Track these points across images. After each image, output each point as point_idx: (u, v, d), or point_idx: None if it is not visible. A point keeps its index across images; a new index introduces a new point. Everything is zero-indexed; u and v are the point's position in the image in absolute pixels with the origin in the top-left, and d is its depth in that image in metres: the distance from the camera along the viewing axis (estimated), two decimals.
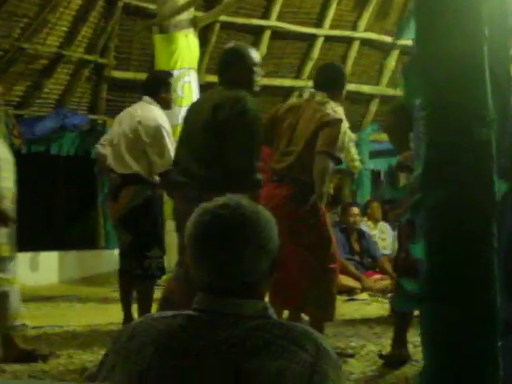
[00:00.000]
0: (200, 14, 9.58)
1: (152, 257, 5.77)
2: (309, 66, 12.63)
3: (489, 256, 2.01)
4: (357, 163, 7.71)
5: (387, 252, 9.75)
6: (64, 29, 10.72)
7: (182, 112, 8.27)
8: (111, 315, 6.75)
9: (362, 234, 9.37)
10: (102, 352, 1.90)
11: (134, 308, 5.96)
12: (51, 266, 10.53)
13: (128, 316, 5.85)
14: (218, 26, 11.70)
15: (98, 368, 1.91)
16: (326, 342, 1.82)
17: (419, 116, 2.11)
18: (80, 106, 11.48)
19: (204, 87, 9.47)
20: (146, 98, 6.05)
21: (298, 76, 12.69)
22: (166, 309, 3.94)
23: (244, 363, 1.71)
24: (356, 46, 13.09)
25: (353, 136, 8.27)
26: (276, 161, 5.23)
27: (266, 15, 12.11)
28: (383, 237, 10.10)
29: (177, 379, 1.73)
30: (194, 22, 8.86)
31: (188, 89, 8.60)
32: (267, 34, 12.08)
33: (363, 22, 12.88)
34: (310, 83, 6.38)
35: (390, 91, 13.55)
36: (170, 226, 7.97)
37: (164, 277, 6.34)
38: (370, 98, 13.80)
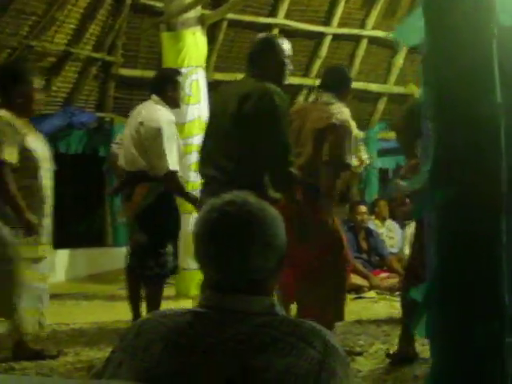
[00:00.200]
0: (207, 11, 9.57)
1: (167, 254, 5.76)
2: (317, 65, 12.61)
3: (497, 253, 2.00)
4: (366, 161, 7.70)
5: (395, 250, 9.75)
6: (72, 27, 10.72)
7: (190, 110, 8.32)
8: (118, 313, 6.76)
9: (369, 233, 9.37)
10: (109, 349, 1.90)
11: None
12: (59, 263, 10.53)
13: (137, 314, 5.83)
14: (225, 24, 11.68)
15: (103, 365, 1.90)
16: (334, 339, 1.81)
17: (428, 114, 2.10)
18: (87, 103, 11.48)
19: (212, 85, 9.47)
20: (154, 96, 6.01)
21: (306, 74, 12.67)
22: None
23: (251, 360, 1.70)
24: (364, 44, 13.06)
25: (360, 134, 8.28)
26: None
27: (273, 13, 12.09)
28: (391, 235, 10.09)
29: (184, 376, 1.73)
30: (201, 20, 8.84)
31: (196, 87, 8.59)
32: (275, 32, 12.06)
33: (371, 20, 12.85)
34: (318, 82, 6.36)
35: (398, 89, 13.53)
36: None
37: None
38: (377, 96, 13.78)
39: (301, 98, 12.80)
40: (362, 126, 13.60)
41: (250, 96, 4.50)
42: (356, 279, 8.62)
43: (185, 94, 8.24)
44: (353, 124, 5.43)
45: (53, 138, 10.54)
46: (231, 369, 1.71)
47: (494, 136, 2.01)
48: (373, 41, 13.12)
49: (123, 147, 6.04)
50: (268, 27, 12.00)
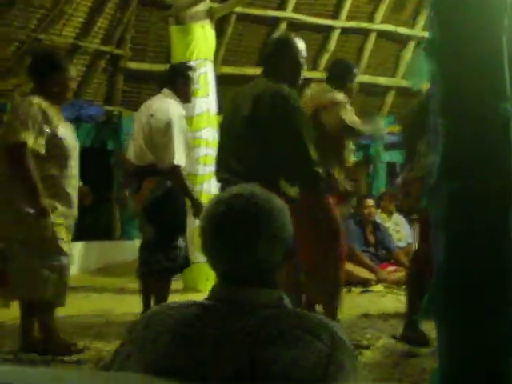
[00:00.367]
0: (216, 5, 9.56)
1: (178, 247, 5.77)
2: (325, 58, 12.59)
3: (506, 248, 2.00)
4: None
5: (402, 244, 9.75)
6: (80, 20, 10.72)
7: (198, 103, 8.33)
8: (127, 305, 6.78)
9: (376, 226, 9.37)
10: (118, 342, 1.91)
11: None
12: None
13: (147, 307, 5.86)
14: (234, 18, 11.68)
15: (112, 357, 1.92)
16: (341, 332, 1.82)
17: (436, 108, 2.11)
18: (96, 97, 11.49)
19: (220, 78, 9.47)
20: (165, 90, 6.04)
21: (314, 68, 12.65)
22: None
23: (259, 352, 1.72)
24: (372, 37, 13.04)
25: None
26: None
27: (282, 7, 12.08)
28: (397, 229, 10.09)
29: (192, 368, 1.74)
30: (210, 14, 8.84)
31: (204, 80, 8.59)
32: (283, 25, 12.05)
33: (380, 14, 12.83)
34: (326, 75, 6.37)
35: (406, 83, 13.49)
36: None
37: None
38: (386, 89, 13.75)
39: (309, 92, 12.77)
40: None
41: (262, 97, 4.49)
42: (363, 273, 8.64)
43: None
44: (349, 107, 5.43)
45: None
46: (239, 361, 1.72)
47: (502, 130, 2.02)
48: (381, 34, 13.09)
49: (132, 141, 6.06)
50: (276, 21, 11.99)
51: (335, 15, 12.55)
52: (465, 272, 1.97)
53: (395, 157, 13.43)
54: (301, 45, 4.81)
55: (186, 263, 5.95)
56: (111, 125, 11.44)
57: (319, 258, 5.22)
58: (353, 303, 7.31)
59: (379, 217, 9.90)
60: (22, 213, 4.76)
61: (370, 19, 12.88)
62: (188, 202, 6.01)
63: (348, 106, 5.58)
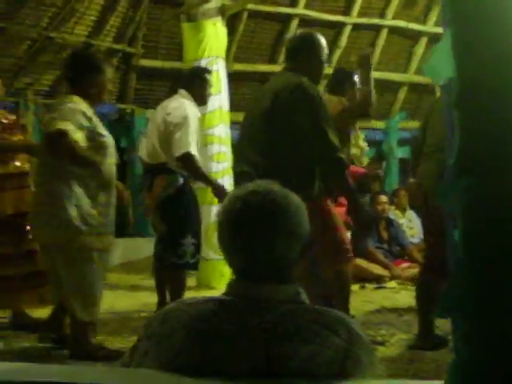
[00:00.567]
0: (228, 2, 9.57)
1: (186, 244, 5.81)
2: (337, 54, 12.59)
3: None
4: (365, 148, 7.76)
5: (415, 240, 9.73)
6: (92, 18, 10.76)
7: (210, 101, 8.29)
8: (141, 302, 6.80)
9: (390, 223, 9.36)
10: (133, 339, 1.92)
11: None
12: None
13: (162, 302, 5.91)
14: (245, 15, 11.69)
15: (129, 353, 1.92)
16: (357, 327, 1.82)
17: (453, 103, 2.10)
18: (108, 95, 11.51)
19: (232, 75, 9.48)
20: (182, 91, 6.12)
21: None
22: None
23: (276, 348, 1.71)
24: (384, 33, 13.03)
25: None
26: None
27: (293, 3, 12.08)
28: (411, 225, 10.07)
29: (209, 364, 1.74)
30: (222, 11, 8.85)
31: (216, 77, 8.59)
32: (295, 22, 12.06)
33: (391, 10, 12.81)
34: None
35: (419, 79, 13.48)
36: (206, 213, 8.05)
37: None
38: (398, 85, 13.74)
39: (320, 88, 12.78)
40: (383, 115, 13.59)
41: (282, 91, 4.51)
42: (377, 269, 8.64)
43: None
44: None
45: None
46: (255, 357, 1.72)
47: None
48: (393, 30, 13.08)
49: (146, 139, 6.13)
50: (288, 17, 11.99)
51: (346, 11, 12.55)
52: (482, 269, 1.96)
53: (408, 153, 13.40)
54: (324, 42, 4.83)
55: (194, 261, 5.96)
56: (124, 123, 11.48)
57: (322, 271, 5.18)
58: (367, 299, 7.32)
59: (393, 213, 9.89)
60: (62, 217, 4.74)
61: (382, 15, 12.87)
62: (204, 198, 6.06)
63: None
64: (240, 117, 5.09)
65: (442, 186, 2.13)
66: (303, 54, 4.75)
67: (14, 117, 6.03)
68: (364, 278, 8.53)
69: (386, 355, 4.74)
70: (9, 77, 6.37)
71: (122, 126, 11.43)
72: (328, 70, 11.61)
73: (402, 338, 5.25)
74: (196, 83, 6.14)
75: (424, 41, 13.37)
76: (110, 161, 4.94)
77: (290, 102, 4.46)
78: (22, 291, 5.67)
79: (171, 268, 5.94)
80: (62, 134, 4.59)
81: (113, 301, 7.28)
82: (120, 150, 11.28)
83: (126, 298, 7.71)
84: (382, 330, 5.54)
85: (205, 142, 8.13)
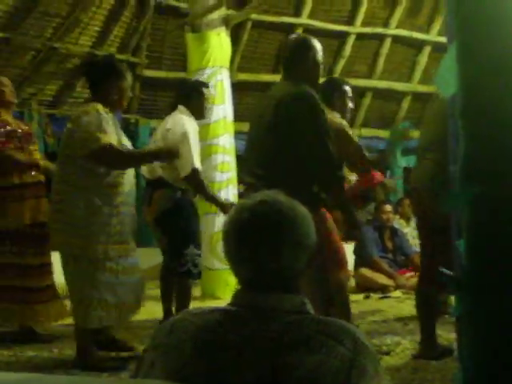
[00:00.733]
0: (232, 12, 9.60)
1: (188, 254, 5.85)
2: (341, 64, 12.61)
3: None
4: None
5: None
6: (96, 28, 10.79)
7: (215, 111, 8.35)
8: (147, 312, 6.78)
9: (394, 232, 9.36)
10: (140, 348, 1.92)
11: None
12: None
13: (168, 312, 5.93)
14: (249, 25, 11.71)
15: (137, 365, 1.92)
16: (363, 337, 1.82)
17: (456, 112, 2.10)
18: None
19: (236, 85, 9.50)
20: (180, 107, 6.17)
21: (330, 74, 12.67)
22: None
23: (282, 358, 1.72)
24: (388, 43, 13.05)
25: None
26: None
27: (297, 13, 12.10)
28: (415, 234, 10.05)
29: (215, 374, 1.74)
30: (225, 21, 8.87)
31: (220, 87, 8.61)
32: (299, 32, 12.07)
33: (395, 19, 12.83)
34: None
35: (422, 88, 13.49)
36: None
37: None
38: (402, 95, 13.76)
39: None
40: (387, 124, 13.61)
41: (282, 101, 4.49)
42: (382, 279, 8.64)
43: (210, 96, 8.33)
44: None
45: None
46: (262, 367, 1.72)
47: None
48: (397, 40, 13.10)
49: None
50: (292, 27, 12.01)
51: (350, 21, 12.57)
52: (488, 277, 1.96)
53: (412, 162, 13.37)
54: (318, 45, 4.80)
55: (196, 270, 5.99)
56: (128, 132, 11.42)
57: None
58: (372, 309, 7.31)
59: (397, 222, 9.88)
60: (79, 226, 4.74)
61: (385, 24, 12.88)
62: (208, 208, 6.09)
63: (343, 122, 5.51)
64: (244, 127, 5.10)
65: (447, 194, 2.14)
66: (298, 59, 4.69)
67: (27, 126, 6.03)
68: (369, 287, 8.54)
69: (390, 364, 4.73)
70: (13, 87, 6.39)
71: (127, 136, 11.42)
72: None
73: (406, 347, 5.23)
74: (193, 98, 6.19)
75: (427, 50, 13.38)
76: (130, 171, 4.97)
77: (291, 114, 4.45)
78: (39, 303, 5.66)
79: (177, 276, 5.98)
80: (109, 148, 4.66)
81: None
82: None
83: None
84: (387, 339, 5.53)
85: (209, 152, 8.15)
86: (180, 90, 6.45)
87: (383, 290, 8.48)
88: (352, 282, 8.67)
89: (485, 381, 1.89)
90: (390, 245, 9.23)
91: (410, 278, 8.79)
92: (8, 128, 5.62)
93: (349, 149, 5.26)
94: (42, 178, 5.78)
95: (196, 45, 8.74)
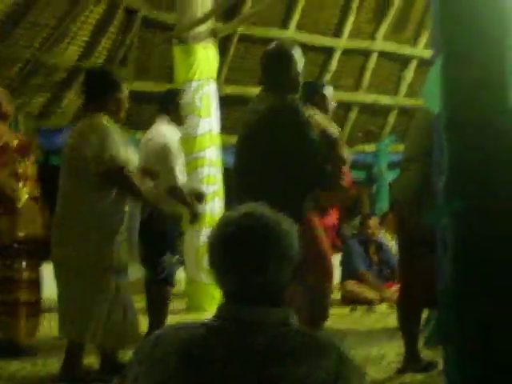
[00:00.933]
0: (219, 25, 9.61)
1: (164, 262, 5.91)
2: (327, 78, 12.62)
3: None
4: None
5: None
6: (84, 39, 10.76)
7: (201, 124, 8.35)
8: None
9: (380, 246, 9.37)
10: (126, 359, 1.92)
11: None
12: None
13: (153, 326, 5.92)
14: (236, 38, 11.72)
15: (119, 381, 1.92)
16: (347, 351, 1.82)
17: (441, 126, 2.11)
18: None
19: (223, 98, 9.50)
20: (160, 117, 6.28)
21: None
22: None
23: (267, 370, 1.72)
24: (374, 57, 13.08)
25: None
26: None
27: (284, 25, 12.11)
28: None
29: None
30: (213, 33, 8.89)
31: (206, 100, 8.62)
32: None
33: (381, 33, 12.87)
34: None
35: (409, 102, 13.53)
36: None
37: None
38: (388, 109, 13.79)
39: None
40: (373, 138, 13.63)
41: (267, 114, 4.48)
42: (367, 292, 8.64)
43: (195, 107, 8.34)
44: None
45: None
46: (247, 379, 1.72)
47: (508, 144, 2.02)
48: (383, 54, 13.14)
49: None
50: (279, 40, 12.01)
51: (337, 33, 12.57)
52: (473, 293, 1.97)
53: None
54: (298, 53, 4.72)
55: (171, 279, 6.10)
56: None
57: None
58: (357, 322, 7.31)
59: (383, 236, 9.90)
60: (88, 239, 4.74)
61: (372, 38, 12.91)
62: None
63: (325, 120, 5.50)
64: (231, 139, 5.08)
65: (431, 209, 2.14)
66: (280, 69, 4.62)
67: (23, 139, 5.98)
68: (355, 300, 8.54)
69: (375, 378, 4.74)
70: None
71: None
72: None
73: (392, 360, 5.24)
74: (170, 107, 6.29)
75: (414, 64, 13.43)
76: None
77: (278, 126, 4.44)
78: (24, 318, 5.63)
79: (155, 284, 6.06)
80: (123, 171, 4.72)
81: None
82: None
83: None
84: (373, 352, 5.53)
85: (195, 165, 8.15)
86: (159, 100, 6.52)
87: (369, 303, 8.48)
88: (338, 295, 8.68)
89: None
90: (375, 258, 9.24)
91: (396, 291, 8.79)
92: None
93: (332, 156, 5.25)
94: (36, 192, 5.76)
95: (183, 57, 8.75)
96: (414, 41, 13.31)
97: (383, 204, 13.30)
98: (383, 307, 8.34)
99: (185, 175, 6.21)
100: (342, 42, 12.63)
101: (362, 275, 8.80)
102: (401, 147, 12.42)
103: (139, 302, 6.45)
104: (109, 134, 4.74)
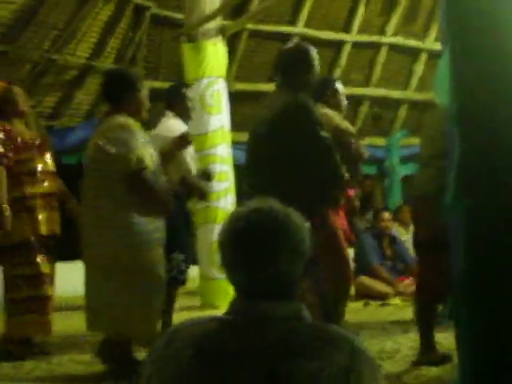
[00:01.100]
0: (228, 22, 9.61)
1: (173, 260, 5.89)
2: (337, 73, 12.60)
3: None
4: None
5: None
6: (93, 40, 10.79)
7: (212, 121, 8.36)
8: None
9: (393, 240, 9.35)
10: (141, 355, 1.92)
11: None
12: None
13: (166, 325, 5.93)
14: (245, 34, 11.72)
15: (136, 380, 1.92)
16: (360, 343, 1.82)
17: (452, 121, 2.10)
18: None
19: (233, 95, 9.50)
20: (167, 112, 6.26)
21: None
22: None
23: (279, 365, 1.72)
24: (384, 51, 13.05)
25: None
26: None
27: (293, 21, 12.10)
28: None
29: (212, 382, 1.74)
30: (222, 31, 8.88)
31: (217, 97, 8.62)
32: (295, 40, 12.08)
33: (391, 27, 12.84)
34: None
35: (419, 96, 13.49)
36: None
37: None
38: (398, 103, 13.76)
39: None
40: (384, 132, 13.61)
41: (281, 113, 4.50)
42: (381, 286, 8.63)
43: (206, 104, 8.34)
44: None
45: (77, 150, 10.57)
46: (259, 374, 1.72)
47: None
48: (393, 48, 13.10)
49: None
50: (288, 36, 12.02)
51: (346, 28, 12.55)
52: (484, 290, 1.96)
53: (410, 170, 13.40)
54: (314, 52, 4.79)
55: (182, 276, 6.05)
56: None
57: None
58: (371, 316, 7.30)
59: (396, 230, 9.87)
60: (125, 236, 4.78)
61: (381, 32, 12.89)
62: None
63: (337, 117, 5.52)
64: (242, 136, 5.09)
65: (444, 204, 2.14)
66: (296, 68, 4.69)
67: (40, 136, 5.99)
68: (368, 295, 8.52)
69: (390, 371, 4.73)
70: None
71: None
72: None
73: (406, 354, 5.23)
74: (177, 101, 6.26)
75: (424, 57, 13.39)
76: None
77: (290, 125, 4.45)
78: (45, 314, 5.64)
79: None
80: (141, 171, 4.71)
81: None
82: None
83: None
84: (387, 346, 5.53)
85: (207, 161, 8.15)
86: (165, 96, 6.49)
87: (382, 297, 8.47)
88: (351, 290, 8.67)
89: None
90: (389, 252, 9.22)
91: (409, 285, 8.78)
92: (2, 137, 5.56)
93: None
94: (53, 189, 5.76)
95: (192, 55, 8.75)
96: (423, 34, 13.27)
97: (396, 198, 13.27)
98: (397, 301, 8.32)
99: (195, 166, 6.16)
100: (352, 37, 12.62)
101: (375, 269, 8.79)
102: (412, 141, 12.48)
103: None
104: (133, 135, 4.76)
